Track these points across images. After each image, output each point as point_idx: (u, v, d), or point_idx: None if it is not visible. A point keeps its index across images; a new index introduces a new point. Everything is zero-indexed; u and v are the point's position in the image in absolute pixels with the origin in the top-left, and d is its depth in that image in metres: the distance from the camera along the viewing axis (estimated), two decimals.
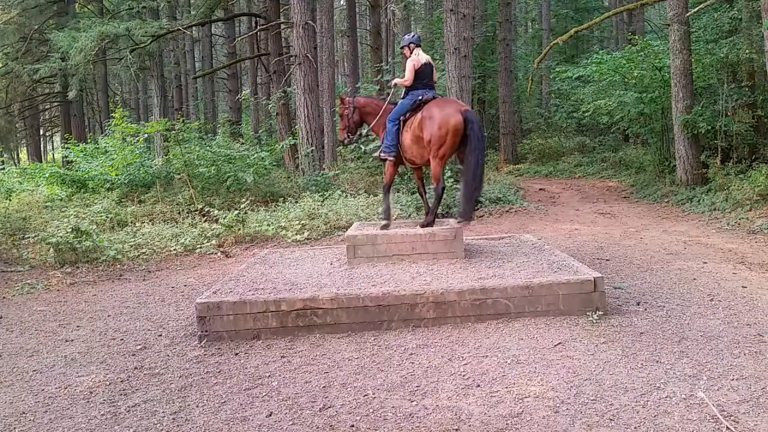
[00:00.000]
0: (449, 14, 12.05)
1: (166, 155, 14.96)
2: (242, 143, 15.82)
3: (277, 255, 6.62)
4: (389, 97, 6.37)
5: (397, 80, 6.16)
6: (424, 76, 5.89)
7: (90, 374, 4.02)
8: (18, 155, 41.08)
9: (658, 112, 13.48)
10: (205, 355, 4.27)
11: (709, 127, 11.24)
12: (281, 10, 18.31)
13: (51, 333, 5.13)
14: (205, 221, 10.08)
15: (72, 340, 4.87)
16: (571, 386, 3.37)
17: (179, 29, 15.90)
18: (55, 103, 29.93)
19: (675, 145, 12.15)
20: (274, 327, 4.53)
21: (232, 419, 3.22)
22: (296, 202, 11.10)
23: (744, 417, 2.95)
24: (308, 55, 13.53)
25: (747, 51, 10.87)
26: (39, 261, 8.30)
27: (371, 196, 11.17)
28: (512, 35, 22.27)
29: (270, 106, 17.19)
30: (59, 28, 19.85)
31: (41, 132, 38.34)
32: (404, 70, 5.96)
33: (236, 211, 9.58)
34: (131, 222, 10.42)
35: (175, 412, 3.34)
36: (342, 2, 29.89)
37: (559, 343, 4.05)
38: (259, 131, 22.70)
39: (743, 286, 5.43)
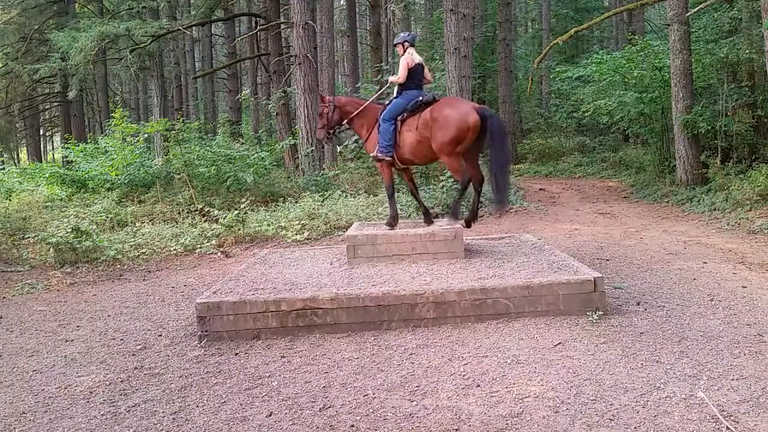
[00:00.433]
0: (449, 14, 12.06)
1: (166, 155, 14.96)
2: (242, 143, 15.82)
3: (277, 255, 6.61)
4: (375, 95, 6.33)
5: (391, 78, 6.16)
6: (416, 76, 5.93)
7: (90, 374, 4.02)
8: (18, 155, 41.07)
9: (658, 112, 13.48)
10: (205, 355, 4.27)
11: (709, 127, 11.23)
12: (281, 10, 18.31)
13: (51, 333, 5.13)
14: (205, 221, 10.08)
15: (72, 340, 4.87)
16: (571, 386, 3.37)
17: (179, 29, 15.90)
18: (55, 103, 29.93)
19: (675, 145, 12.15)
20: (274, 327, 4.53)
21: (232, 419, 3.22)
22: (296, 202, 11.10)
23: (744, 417, 2.95)
24: (308, 55, 13.53)
25: (747, 51, 10.87)
26: (39, 261, 8.30)
27: (371, 196, 11.17)
28: (512, 35, 22.27)
29: (270, 106, 17.19)
30: (59, 28, 19.85)
31: (41, 132, 38.35)
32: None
33: (236, 211, 9.58)
34: (131, 222, 10.42)
35: (175, 412, 3.34)
36: (342, 2, 29.89)
37: (559, 343, 4.05)
38: (259, 131, 22.70)
39: (743, 286, 5.43)
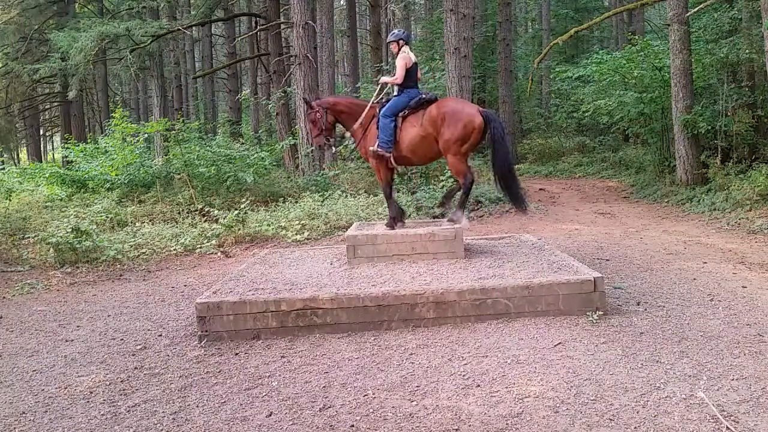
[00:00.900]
0: (449, 14, 12.06)
1: (166, 155, 14.96)
2: (242, 143, 15.81)
3: (277, 255, 6.61)
4: (374, 96, 6.19)
5: (386, 78, 6.07)
6: (412, 75, 5.90)
7: (90, 374, 4.02)
8: (18, 155, 41.07)
9: (658, 112, 13.48)
10: (205, 355, 4.27)
11: (709, 127, 11.23)
12: (281, 10, 18.31)
13: (51, 333, 5.13)
14: (205, 221, 10.09)
15: (72, 340, 4.87)
16: (571, 386, 3.37)
17: (179, 29, 15.90)
18: (55, 103, 29.94)
19: (675, 145, 12.15)
20: (274, 327, 4.53)
21: (232, 419, 3.22)
22: (296, 202, 11.10)
23: (744, 417, 2.95)
24: (308, 55, 13.53)
25: (747, 51, 10.87)
26: (39, 261, 8.30)
27: (371, 196, 11.17)
28: (512, 35, 22.26)
29: (270, 106, 17.19)
30: (59, 28, 19.85)
31: (41, 132, 38.34)
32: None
33: (236, 211, 9.58)
34: (131, 222, 10.42)
35: (175, 412, 3.34)
36: (342, 2, 29.90)
37: (559, 343, 4.05)
38: (259, 131, 22.70)
39: (743, 286, 5.43)
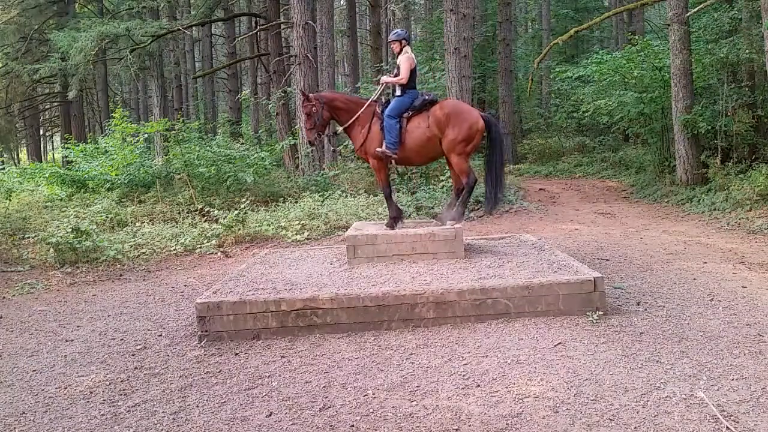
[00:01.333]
0: (449, 14, 12.05)
1: (166, 155, 14.96)
2: (242, 143, 15.82)
3: (277, 255, 6.61)
4: (374, 95, 6.13)
5: (388, 78, 6.00)
6: (414, 75, 5.90)
7: (90, 374, 4.02)
8: (18, 155, 41.07)
9: (658, 112, 13.48)
10: (205, 355, 4.27)
11: (709, 127, 11.23)
12: (281, 10, 18.31)
13: (51, 333, 5.13)
14: (205, 221, 10.09)
15: (72, 340, 4.87)
16: (571, 386, 3.37)
17: (179, 29, 15.91)
18: (55, 103, 29.94)
19: (675, 145, 12.15)
20: (274, 327, 4.53)
21: (232, 419, 3.22)
22: (296, 202, 11.10)
23: (744, 417, 2.95)
24: (308, 55, 13.53)
25: (747, 51, 10.87)
26: (39, 261, 8.29)
27: (371, 196, 11.17)
28: (512, 35, 22.25)
29: (270, 106, 17.19)
30: (59, 28, 19.85)
31: (41, 132, 38.34)
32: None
33: (236, 211, 9.58)
34: (131, 222, 10.42)
35: (175, 412, 3.34)
36: (342, 2, 29.90)
37: (559, 343, 4.05)
38: (259, 131, 22.70)
39: (743, 286, 5.43)
